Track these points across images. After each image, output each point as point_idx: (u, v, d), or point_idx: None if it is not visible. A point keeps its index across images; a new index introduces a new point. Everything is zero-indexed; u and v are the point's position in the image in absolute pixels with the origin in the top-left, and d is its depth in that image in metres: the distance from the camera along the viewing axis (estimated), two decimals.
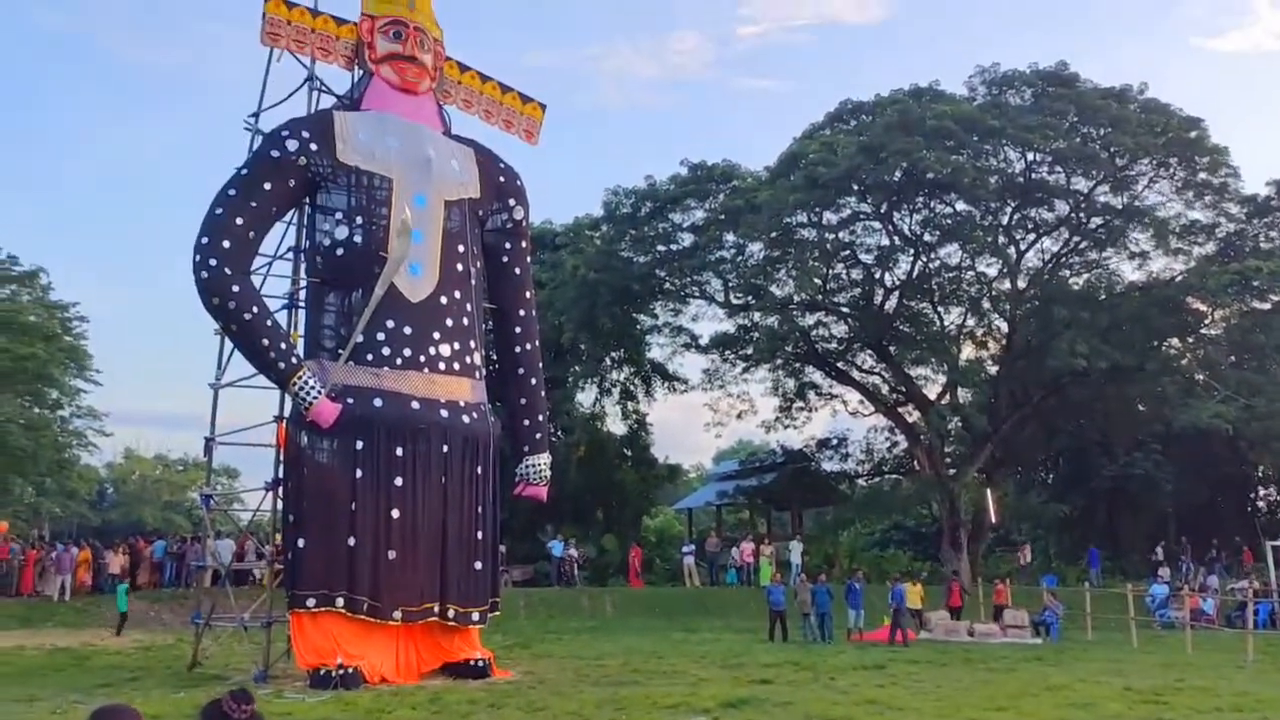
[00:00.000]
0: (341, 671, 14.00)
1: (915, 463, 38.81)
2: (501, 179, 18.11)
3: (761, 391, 40.75)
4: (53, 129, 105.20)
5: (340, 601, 14.58)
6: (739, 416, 41.17)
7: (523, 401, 18.28)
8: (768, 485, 41.34)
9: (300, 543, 14.89)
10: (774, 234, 34.46)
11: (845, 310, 37.69)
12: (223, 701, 3.54)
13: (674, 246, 37.26)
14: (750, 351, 38.62)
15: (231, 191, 15.62)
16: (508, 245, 18.16)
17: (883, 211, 35.20)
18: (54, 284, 36.21)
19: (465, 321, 16.63)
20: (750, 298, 37.18)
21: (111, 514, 47.73)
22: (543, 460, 18.22)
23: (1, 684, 15.66)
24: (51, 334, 33.86)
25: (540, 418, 18.48)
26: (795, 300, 36.33)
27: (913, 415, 38.29)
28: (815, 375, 40.27)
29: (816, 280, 34.94)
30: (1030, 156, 34.22)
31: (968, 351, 38.08)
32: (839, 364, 39.21)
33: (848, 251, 36.08)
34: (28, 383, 33.60)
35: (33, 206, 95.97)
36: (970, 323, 37.41)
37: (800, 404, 40.41)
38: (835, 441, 42.29)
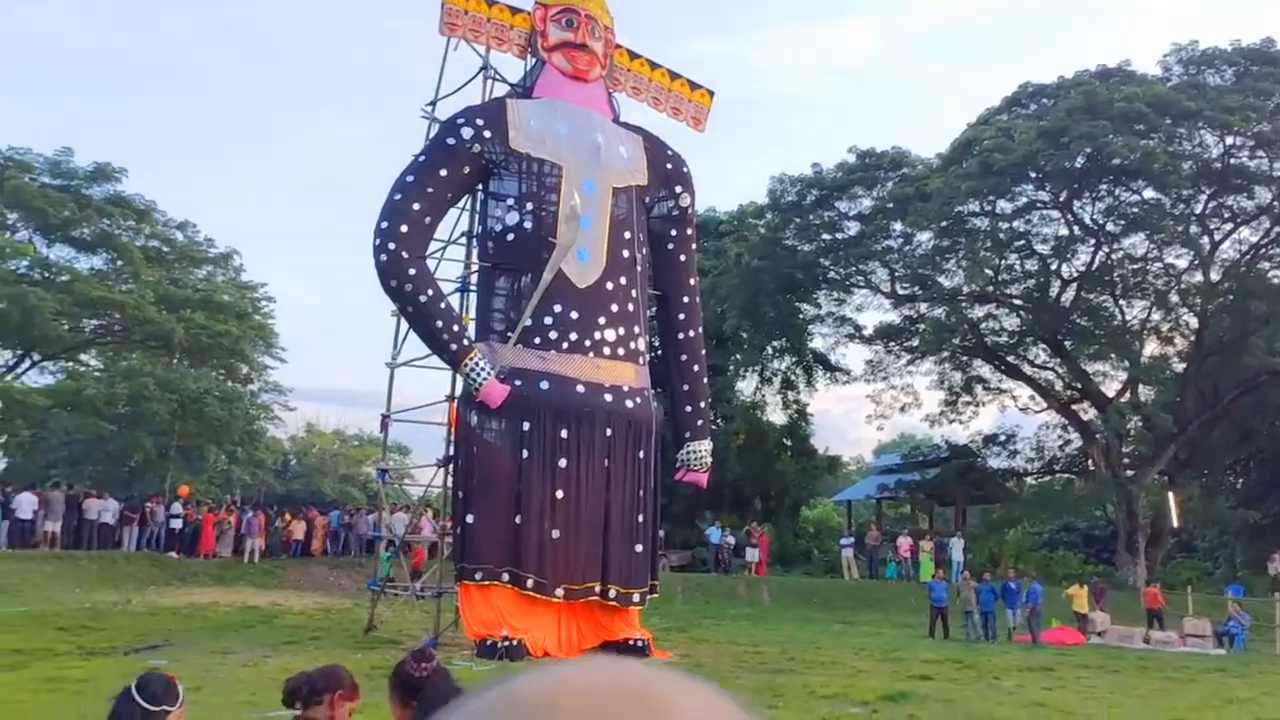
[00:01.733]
0: (506, 643, 14.46)
1: (1089, 462, 37.10)
2: (669, 166, 18.24)
3: (926, 384, 39.59)
4: (246, 118, 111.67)
5: (506, 577, 15.06)
6: (902, 409, 40.28)
7: (685, 388, 18.40)
8: (930, 480, 40.29)
9: (469, 518, 15.45)
10: (944, 223, 33.47)
11: (1017, 302, 36.30)
12: (405, 662, 3.75)
13: (839, 235, 36.67)
14: (916, 343, 37.67)
15: (410, 178, 16.26)
16: (673, 232, 18.29)
17: (1062, 200, 33.69)
18: (244, 265, 38.72)
19: (630, 307, 16.84)
20: (917, 288, 36.26)
21: (294, 484, 50.50)
22: (704, 447, 18.31)
23: (199, 637, 16.87)
24: (243, 312, 36.10)
25: (702, 404, 18.55)
26: (964, 291, 35.23)
27: (1088, 413, 36.59)
28: (983, 369, 38.96)
29: (988, 271, 33.78)
30: (1230, 140, 32.08)
31: (1151, 347, 36.14)
32: (1009, 358, 37.82)
33: (1022, 241, 34.71)
34: (222, 358, 35.95)
35: (226, 193, 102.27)
36: (1155, 317, 35.45)
37: (967, 398, 39.19)
38: (1003, 438, 40.85)
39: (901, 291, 36.90)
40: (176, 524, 29.53)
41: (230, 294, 36.05)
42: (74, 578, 24.72)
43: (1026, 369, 37.97)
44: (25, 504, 26.79)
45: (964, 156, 33.18)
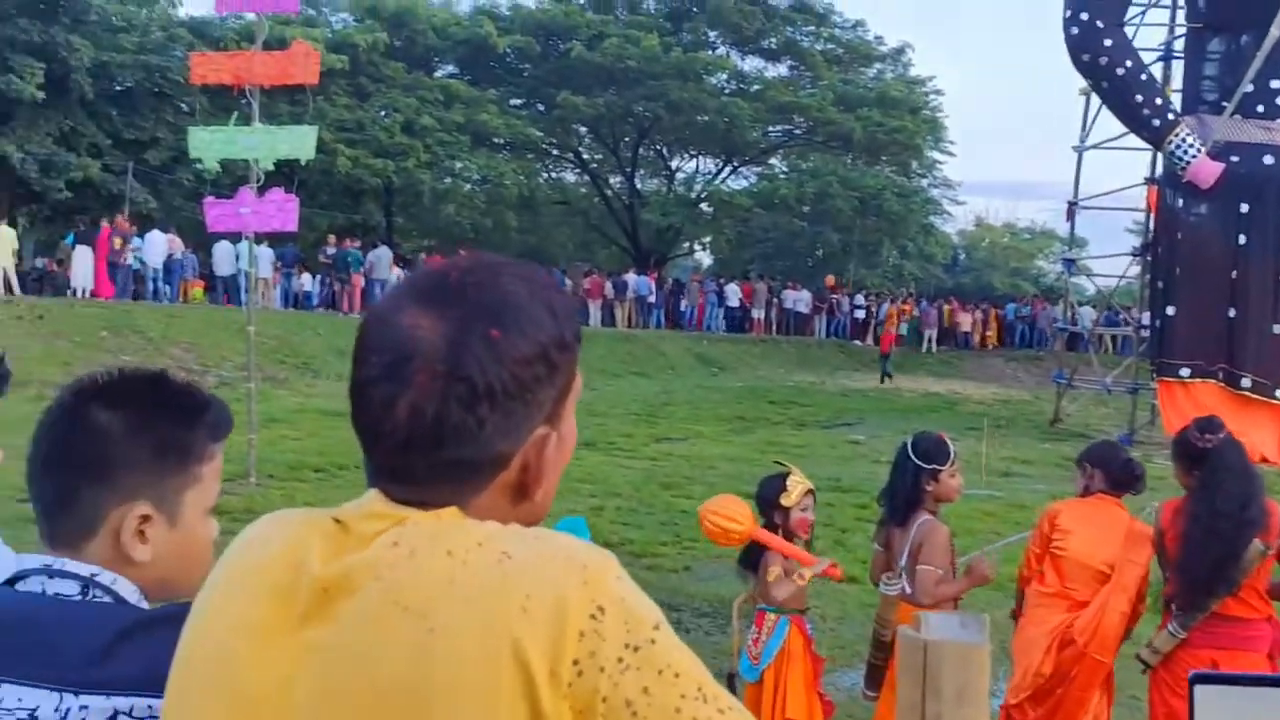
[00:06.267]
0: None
1: None
2: None
3: None
4: None
5: (1220, 375, 13.74)
6: None
7: None
8: None
9: (1170, 310, 14.24)
10: None
11: None
12: (1189, 432, 3.66)
13: None
14: None
15: None
16: None
17: None
18: (913, 60, 38.64)
19: None
20: None
21: (964, 278, 50.83)
22: None
23: (888, 418, 18.09)
24: (916, 107, 36.32)
25: None
26: None
27: None
28: None
29: None
30: None
31: None
32: None
33: None
34: (896, 154, 36.78)
35: None
36: None
37: None
38: None
39: None
40: (860, 314, 31.62)
41: (900, 90, 36.40)
42: (776, 359, 27.83)
43: None
44: (732, 294, 30.54)
45: None
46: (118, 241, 20.04)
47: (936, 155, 39.32)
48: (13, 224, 21.26)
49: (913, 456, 3.71)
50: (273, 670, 0.91)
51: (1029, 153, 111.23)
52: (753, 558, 3.84)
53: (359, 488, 0.98)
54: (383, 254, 24.08)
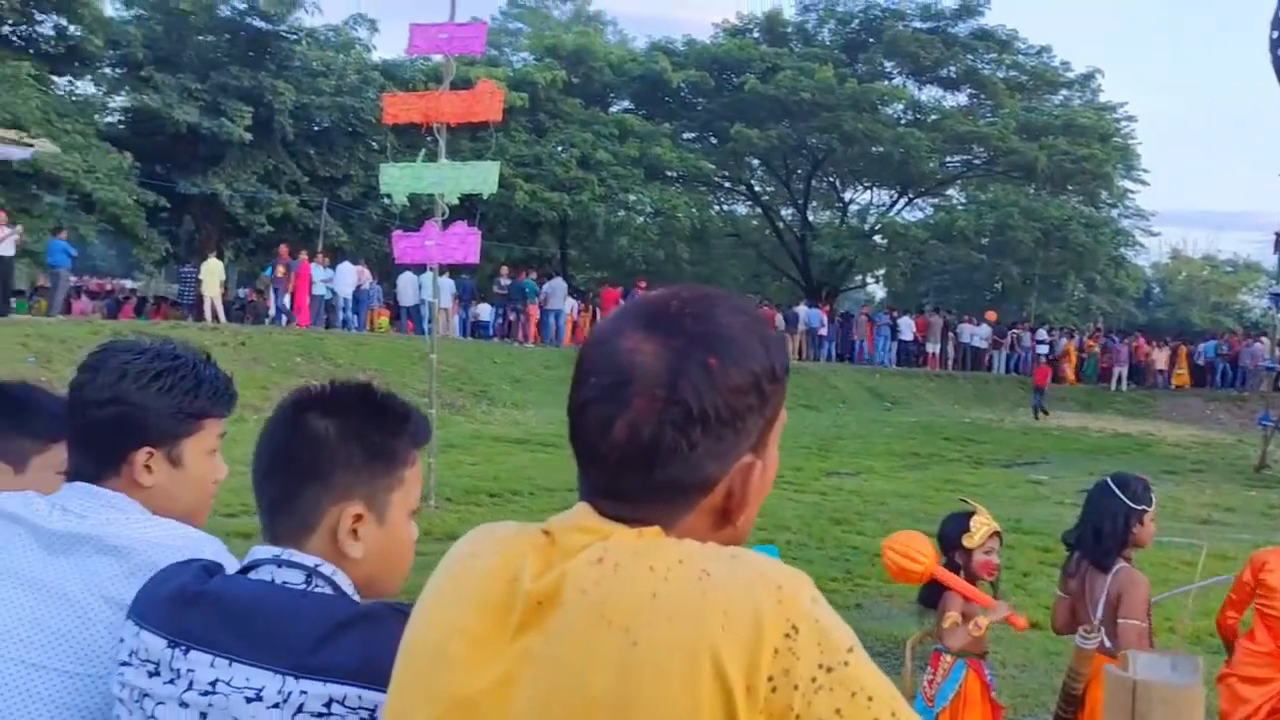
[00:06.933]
0: None
1: None
2: None
3: None
4: None
5: None
6: None
7: None
8: None
9: None
10: None
11: None
12: None
13: None
14: None
15: None
16: None
17: None
18: (1103, 86, 37.06)
19: None
20: None
21: (1158, 313, 48.19)
22: None
23: (1073, 458, 17.25)
24: (1106, 134, 34.79)
25: None
26: None
27: None
28: None
29: None
30: None
31: None
32: None
33: None
34: (1083, 183, 35.28)
35: (1083, 13, 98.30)
36: None
37: None
38: None
39: None
40: (1042, 350, 30.32)
41: (1089, 117, 34.94)
42: (952, 395, 26.99)
43: None
44: (906, 327, 29.79)
45: None
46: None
47: (1128, 184, 37.63)
48: (220, 257, 22.87)
49: (1123, 496, 3.49)
50: (489, 674, 0.95)
51: (1231, 181, 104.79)
52: (932, 595, 3.69)
53: (533, 514, 1.00)
54: (557, 285, 24.67)
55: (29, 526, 1.47)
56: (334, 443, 1.31)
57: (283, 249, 21.84)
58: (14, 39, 25.05)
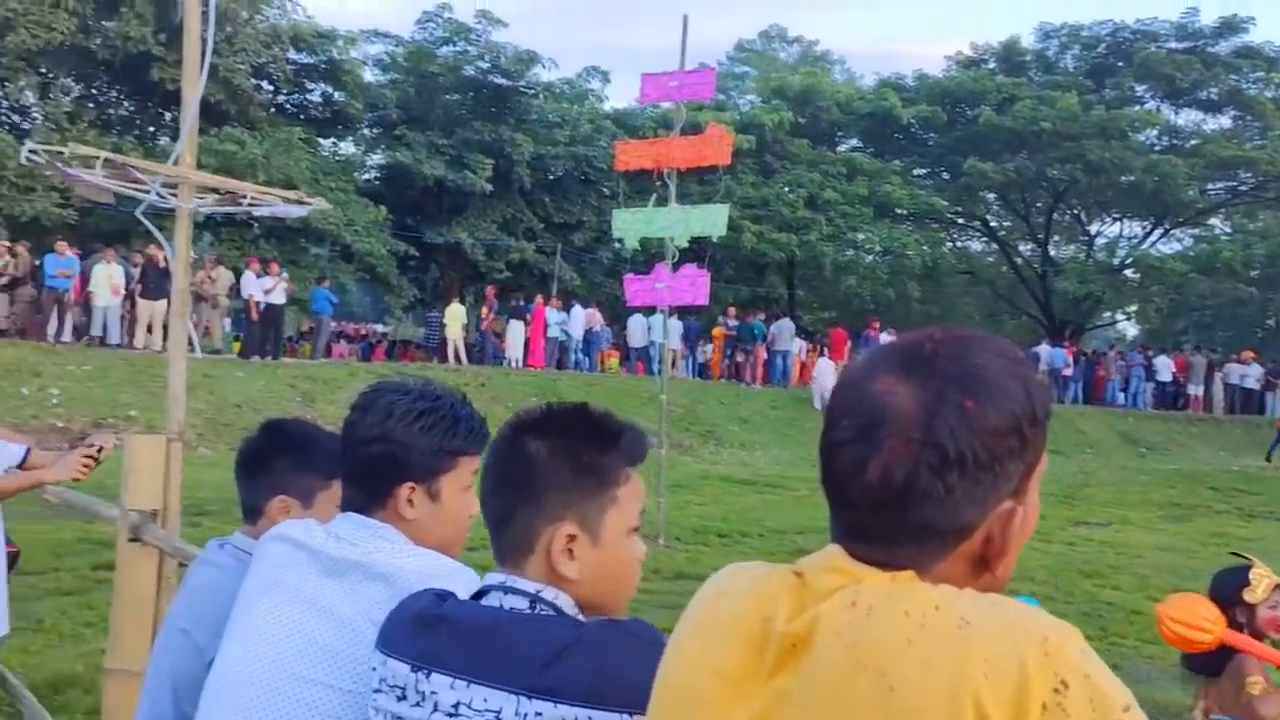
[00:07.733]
0: None
1: None
2: None
3: None
4: None
5: None
6: None
7: None
8: None
9: None
10: None
11: None
12: None
13: None
14: None
15: None
16: None
17: None
18: None
19: None
20: None
21: None
22: None
23: None
24: None
25: None
26: None
27: None
28: None
29: None
30: None
31: None
32: None
33: None
34: None
35: None
36: None
37: None
38: None
39: None
40: None
41: None
42: (1218, 440, 24.79)
43: None
44: (1163, 367, 27.65)
45: None
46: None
47: None
48: (461, 301, 24.15)
49: None
50: (744, 714, 0.95)
51: None
52: (1213, 661, 3.29)
53: (762, 555, 0.95)
54: (785, 326, 24.47)
55: (309, 551, 1.60)
56: (544, 462, 1.33)
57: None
58: (288, 106, 27.58)
